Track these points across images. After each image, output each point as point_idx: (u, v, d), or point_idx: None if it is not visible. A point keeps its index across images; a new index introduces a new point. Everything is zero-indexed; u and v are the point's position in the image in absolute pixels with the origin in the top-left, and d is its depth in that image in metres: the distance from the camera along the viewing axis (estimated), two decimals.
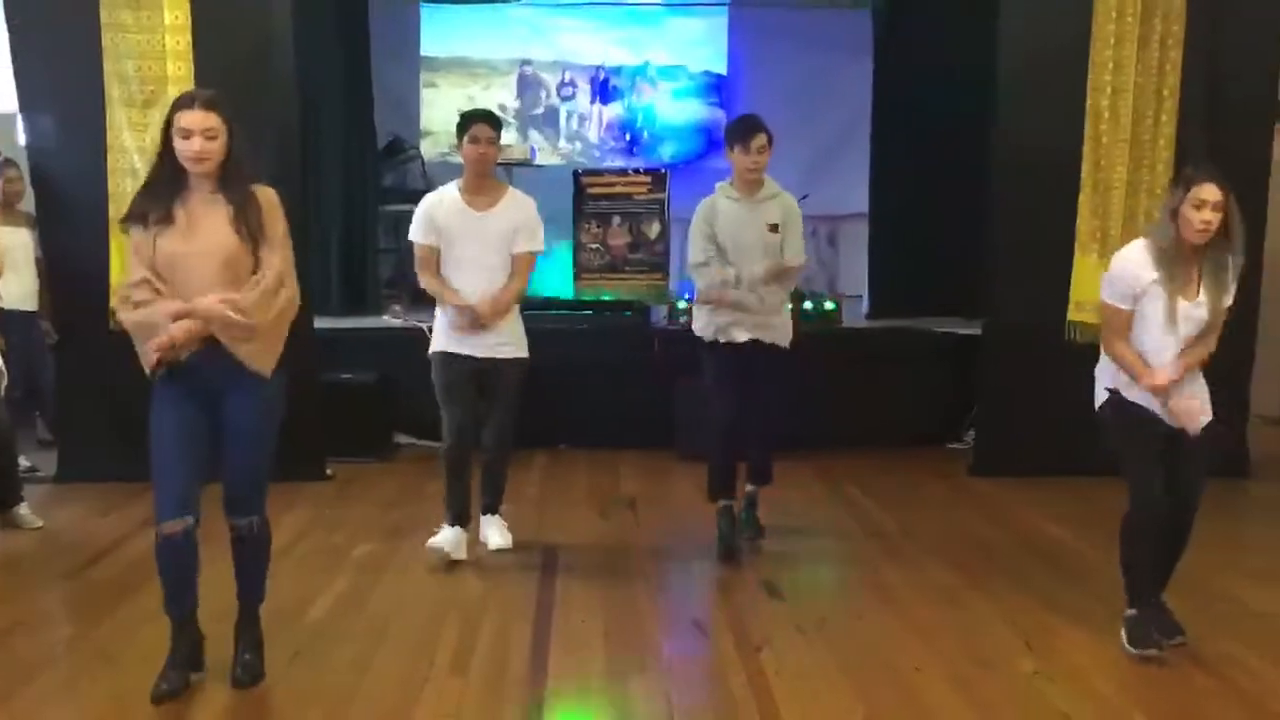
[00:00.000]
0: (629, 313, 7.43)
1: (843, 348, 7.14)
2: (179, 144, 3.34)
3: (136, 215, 3.40)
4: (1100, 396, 3.96)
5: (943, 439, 7.09)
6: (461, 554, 4.82)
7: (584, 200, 7.76)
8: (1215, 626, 4.04)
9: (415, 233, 4.85)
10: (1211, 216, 3.66)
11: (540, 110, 9.33)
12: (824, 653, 3.87)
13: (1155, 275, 3.76)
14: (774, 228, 4.88)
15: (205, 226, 3.37)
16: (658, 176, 7.81)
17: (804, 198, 4.93)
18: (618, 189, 7.72)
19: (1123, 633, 3.87)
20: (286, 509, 5.50)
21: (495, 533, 5.01)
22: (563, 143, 9.35)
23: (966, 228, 7.05)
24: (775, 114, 9.19)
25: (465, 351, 4.79)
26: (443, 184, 5.04)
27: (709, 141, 9.17)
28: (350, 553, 4.95)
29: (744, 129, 4.87)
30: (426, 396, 4.94)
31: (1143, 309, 3.82)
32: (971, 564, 4.84)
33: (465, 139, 4.80)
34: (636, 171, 8.01)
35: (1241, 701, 3.51)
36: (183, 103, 3.38)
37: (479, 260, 4.76)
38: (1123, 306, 3.84)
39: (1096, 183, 6.18)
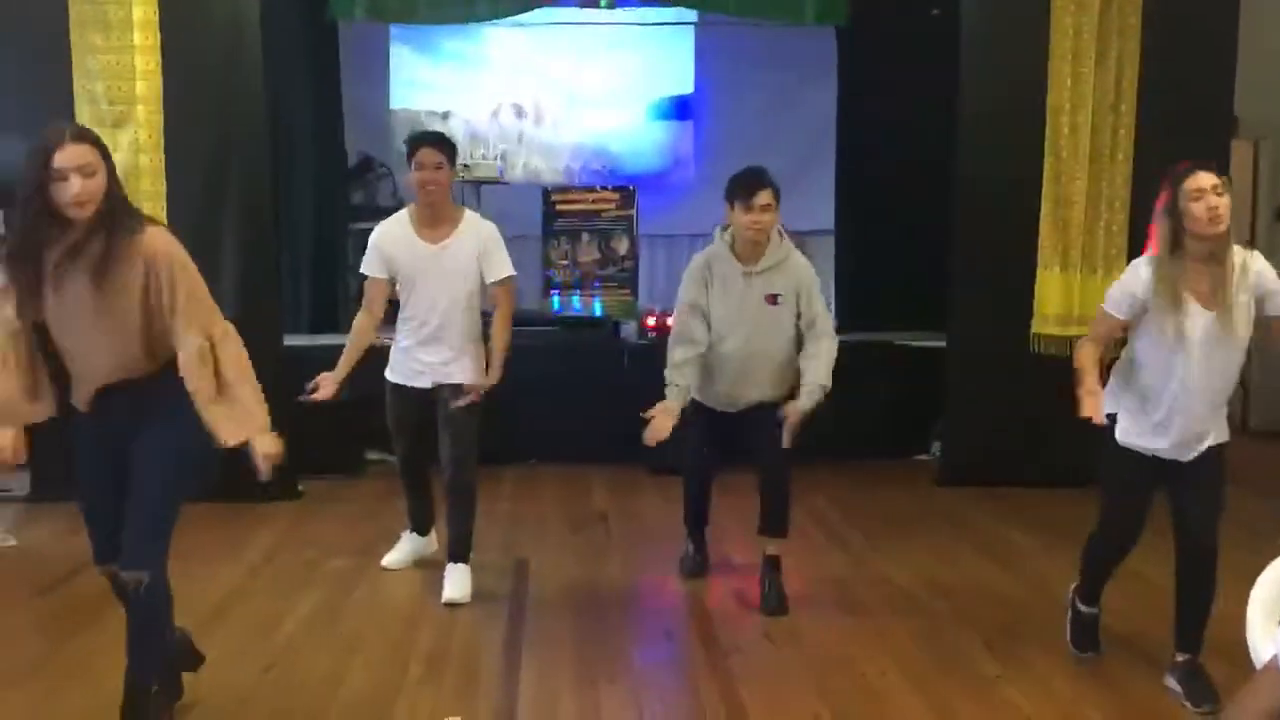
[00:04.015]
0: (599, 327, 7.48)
1: None
2: (55, 190, 2.87)
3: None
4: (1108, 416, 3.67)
5: (909, 450, 7.18)
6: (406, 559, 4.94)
7: (553, 217, 7.82)
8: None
9: (364, 265, 4.59)
10: (1217, 201, 3.35)
11: (510, 128, 9.38)
12: (791, 659, 3.94)
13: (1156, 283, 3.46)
14: (773, 299, 4.42)
15: (91, 290, 2.96)
16: (626, 193, 7.88)
17: None
18: (586, 206, 7.78)
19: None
20: (258, 526, 5.54)
21: (451, 583, 4.55)
22: (532, 160, 9.40)
23: (931, 241, 7.14)
24: (741, 131, 9.25)
25: (416, 385, 4.61)
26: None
27: (676, 158, 9.26)
28: (322, 568, 4.97)
29: (746, 183, 4.34)
30: None
31: (1149, 327, 3.52)
32: (936, 571, 4.92)
33: (412, 165, 4.44)
34: (605, 188, 8.07)
35: None
36: (52, 141, 2.88)
37: (437, 299, 4.50)
38: (1113, 312, 3.58)
39: (1058, 197, 6.27)
